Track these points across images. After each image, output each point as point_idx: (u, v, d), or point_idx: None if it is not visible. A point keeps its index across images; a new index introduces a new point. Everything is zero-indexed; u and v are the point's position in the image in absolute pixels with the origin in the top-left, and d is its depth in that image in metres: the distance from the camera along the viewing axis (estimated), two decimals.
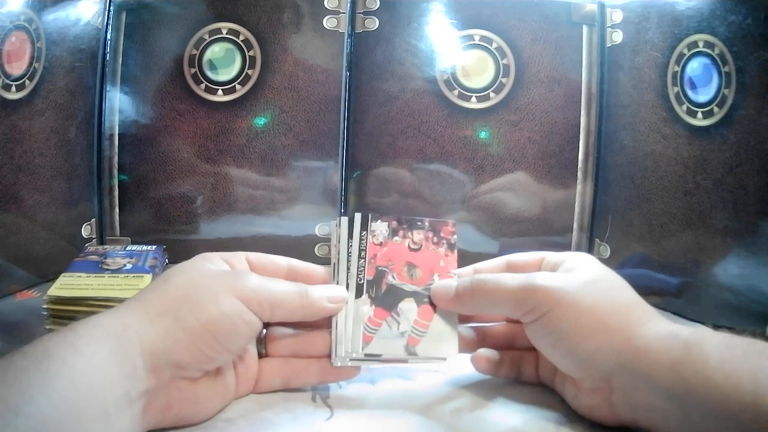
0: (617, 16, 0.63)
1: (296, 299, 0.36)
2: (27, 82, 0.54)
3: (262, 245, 0.60)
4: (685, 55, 0.54)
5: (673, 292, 0.55)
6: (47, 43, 0.56)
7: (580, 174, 0.65)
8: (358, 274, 0.40)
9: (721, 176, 0.51)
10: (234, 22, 0.64)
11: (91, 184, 0.64)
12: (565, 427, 0.35)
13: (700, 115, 0.53)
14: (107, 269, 0.49)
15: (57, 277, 0.47)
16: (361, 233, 0.41)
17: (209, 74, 0.63)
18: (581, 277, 0.36)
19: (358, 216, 0.41)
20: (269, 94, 0.64)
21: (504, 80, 0.63)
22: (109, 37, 0.63)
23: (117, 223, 0.65)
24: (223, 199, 0.64)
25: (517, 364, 0.40)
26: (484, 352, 0.40)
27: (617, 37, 0.62)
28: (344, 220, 0.41)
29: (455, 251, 0.42)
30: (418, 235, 0.42)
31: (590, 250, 0.65)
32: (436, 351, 0.38)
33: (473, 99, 0.64)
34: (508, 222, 0.64)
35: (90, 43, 0.62)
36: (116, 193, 0.64)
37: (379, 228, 0.41)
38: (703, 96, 0.53)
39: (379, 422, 0.36)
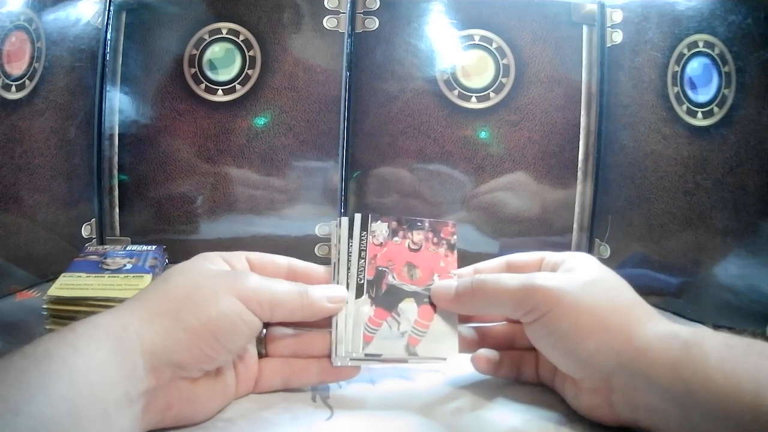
0: (617, 16, 0.63)
1: (296, 299, 0.36)
2: (27, 82, 0.54)
3: (262, 245, 0.60)
4: (685, 55, 0.54)
5: (673, 292, 0.55)
6: (47, 43, 0.56)
7: (580, 174, 0.65)
8: (358, 275, 0.40)
9: (721, 176, 0.51)
10: (234, 22, 0.64)
11: (91, 184, 0.64)
12: (565, 427, 0.35)
13: (700, 115, 0.53)
14: (107, 269, 0.49)
15: (57, 277, 0.47)
16: (361, 233, 0.41)
17: (209, 74, 0.63)
18: (581, 277, 0.36)
19: (358, 216, 0.41)
20: (269, 94, 0.63)
21: (504, 80, 0.63)
22: (109, 37, 0.63)
23: (117, 223, 0.65)
24: (223, 199, 0.64)
25: (517, 364, 0.40)
26: (484, 352, 0.40)
27: (617, 37, 0.62)
28: (344, 220, 0.41)
29: (455, 251, 0.42)
30: (418, 236, 0.42)
31: (590, 250, 0.65)
32: (436, 351, 0.38)
33: (473, 99, 0.64)
34: (508, 222, 0.64)
35: (90, 43, 0.62)
36: (116, 193, 0.64)
37: (379, 228, 0.41)
38: (703, 96, 0.53)
39: (379, 422, 0.36)
